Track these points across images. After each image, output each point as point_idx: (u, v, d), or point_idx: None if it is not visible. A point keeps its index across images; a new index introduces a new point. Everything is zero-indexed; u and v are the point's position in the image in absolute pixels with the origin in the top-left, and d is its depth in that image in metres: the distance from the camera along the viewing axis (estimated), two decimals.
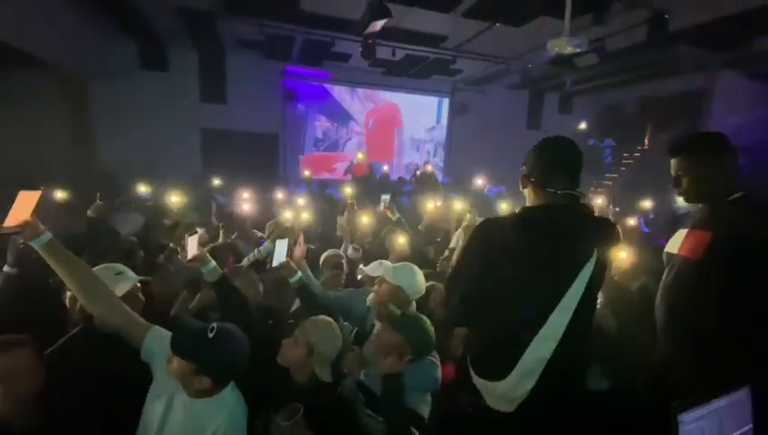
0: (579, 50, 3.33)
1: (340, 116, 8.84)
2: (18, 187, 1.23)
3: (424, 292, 1.83)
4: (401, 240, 2.67)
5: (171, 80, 6.99)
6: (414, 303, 1.79)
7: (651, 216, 4.80)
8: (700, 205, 1.49)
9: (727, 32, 5.16)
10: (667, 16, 4.30)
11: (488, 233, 1.29)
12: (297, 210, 3.29)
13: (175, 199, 3.16)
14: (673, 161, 1.50)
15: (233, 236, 3.29)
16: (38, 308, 1.83)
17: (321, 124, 8.74)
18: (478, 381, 1.33)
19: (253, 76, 7.49)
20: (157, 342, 1.33)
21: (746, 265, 1.28)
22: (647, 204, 4.23)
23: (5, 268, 1.91)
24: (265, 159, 7.89)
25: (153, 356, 1.33)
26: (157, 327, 1.37)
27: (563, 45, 3.26)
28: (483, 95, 9.17)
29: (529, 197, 1.33)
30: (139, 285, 1.56)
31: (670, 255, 1.54)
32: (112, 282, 1.47)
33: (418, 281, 1.78)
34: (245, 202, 4.03)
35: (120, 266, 1.56)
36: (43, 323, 1.67)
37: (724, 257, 1.32)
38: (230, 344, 1.26)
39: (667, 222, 4.43)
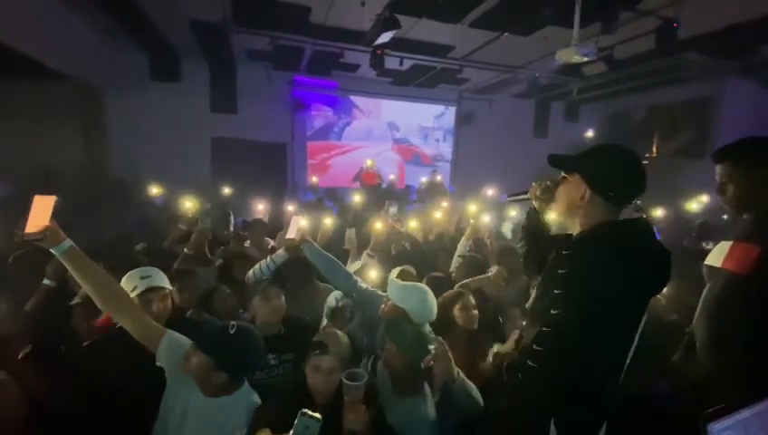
0: (588, 59, 3.34)
1: (345, 107, 8.81)
2: (34, 194, 1.26)
3: (434, 316, 1.70)
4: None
5: (182, 90, 7.12)
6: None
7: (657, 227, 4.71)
8: (745, 215, 1.41)
9: (736, 40, 5.16)
10: (676, 25, 4.30)
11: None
12: (317, 217, 3.28)
13: (189, 205, 3.18)
14: (718, 167, 1.42)
15: (246, 244, 3.31)
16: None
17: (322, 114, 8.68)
18: None
19: (262, 86, 7.60)
20: (172, 344, 1.37)
21: None
22: (658, 213, 4.14)
23: (45, 281, 1.94)
24: (274, 168, 7.97)
25: (168, 358, 1.36)
26: (171, 331, 1.41)
27: (572, 55, 3.27)
28: (489, 104, 9.21)
29: (588, 213, 1.13)
30: (169, 288, 1.59)
31: (712, 268, 1.45)
32: (135, 287, 1.50)
33: (427, 305, 1.67)
34: (260, 213, 4.07)
35: (148, 271, 1.59)
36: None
37: None
38: (248, 342, 1.33)
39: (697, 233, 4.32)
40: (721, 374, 1.35)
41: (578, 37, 3.29)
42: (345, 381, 1.26)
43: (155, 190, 5.09)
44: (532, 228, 1.41)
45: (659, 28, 4.52)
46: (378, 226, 3.01)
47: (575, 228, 1.18)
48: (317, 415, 1.09)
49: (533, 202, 1.41)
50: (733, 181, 1.38)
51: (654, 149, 9.18)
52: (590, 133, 9.74)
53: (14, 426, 1.19)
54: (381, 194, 6.46)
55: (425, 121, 9.49)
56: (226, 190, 6.01)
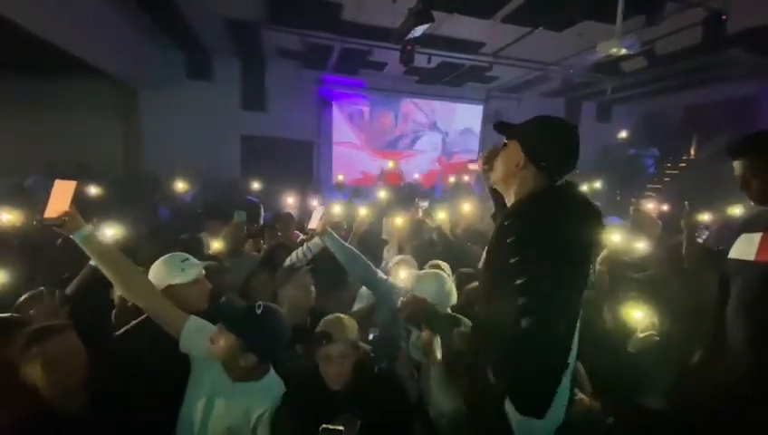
0: (631, 51, 3.21)
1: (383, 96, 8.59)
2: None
3: (454, 300, 1.71)
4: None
5: (215, 89, 7.30)
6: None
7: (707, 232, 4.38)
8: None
9: None
10: (724, 17, 4.09)
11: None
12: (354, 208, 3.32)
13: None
14: (738, 163, 1.41)
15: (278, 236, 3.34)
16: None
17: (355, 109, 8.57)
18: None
19: (291, 85, 7.71)
20: (197, 329, 1.36)
21: None
22: (705, 217, 3.83)
23: (91, 262, 1.94)
24: (301, 165, 8.07)
25: (193, 343, 1.35)
26: (193, 316, 1.40)
27: (614, 47, 3.15)
28: (517, 103, 9.03)
29: (523, 181, 1.13)
30: (203, 272, 1.60)
31: (742, 262, 1.40)
32: (179, 269, 1.51)
33: (445, 290, 1.67)
34: (290, 207, 4.11)
35: (185, 254, 1.60)
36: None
37: None
38: (275, 322, 1.31)
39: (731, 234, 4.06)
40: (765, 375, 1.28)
41: (621, 29, 3.16)
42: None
43: (181, 186, 5.21)
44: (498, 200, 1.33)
45: (706, 20, 4.30)
46: (398, 221, 2.97)
47: (510, 198, 1.17)
48: (339, 427, 1.08)
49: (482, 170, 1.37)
50: (756, 175, 1.36)
51: (692, 151, 8.80)
52: (623, 134, 9.42)
53: (77, 370, 1.20)
54: (405, 193, 6.42)
55: (473, 124, 9.33)
56: (255, 185, 6.13)
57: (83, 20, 4.55)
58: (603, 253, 2.33)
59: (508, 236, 1.03)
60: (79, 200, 1.27)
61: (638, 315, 1.72)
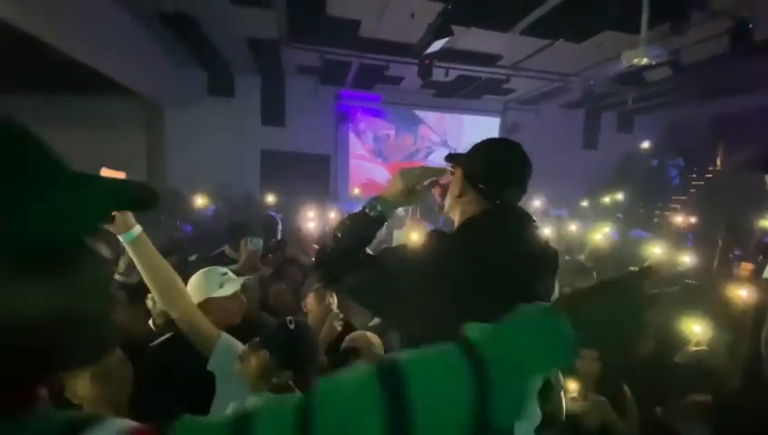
0: (658, 60, 3.13)
1: (403, 118, 8.84)
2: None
3: None
4: None
5: (236, 105, 7.49)
6: None
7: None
8: None
9: None
10: (751, 25, 3.98)
11: None
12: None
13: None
14: None
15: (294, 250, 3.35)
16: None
17: (373, 130, 8.76)
18: None
19: (309, 100, 7.85)
20: (227, 347, 1.34)
21: None
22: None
23: (116, 277, 1.95)
24: (318, 179, 8.13)
25: (222, 362, 1.32)
26: (224, 333, 1.38)
27: (640, 56, 3.08)
28: (535, 114, 8.95)
29: (466, 206, 1.08)
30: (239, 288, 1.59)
31: None
32: (218, 283, 1.51)
33: None
34: (310, 220, 4.12)
35: (224, 269, 1.60)
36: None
37: None
38: (308, 337, 1.31)
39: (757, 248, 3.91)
40: None
41: (646, 38, 3.10)
42: None
43: (200, 201, 5.27)
44: None
45: (732, 29, 4.20)
46: (413, 235, 2.94)
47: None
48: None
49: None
50: None
51: (719, 162, 8.51)
52: (645, 144, 9.20)
53: (124, 385, 1.20)
54: (426, 203, 6.37)
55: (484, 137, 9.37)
56: (270, 199, 6.20)
57: (111, 39, 4.72)
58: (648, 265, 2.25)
59: None
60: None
61: (698, 329, 1.68)
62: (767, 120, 7.31)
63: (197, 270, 1.59)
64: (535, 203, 5.97)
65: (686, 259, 2.38)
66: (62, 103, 6.75)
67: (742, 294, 1.92)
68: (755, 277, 2.08)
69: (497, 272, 0.89)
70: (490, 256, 0.92)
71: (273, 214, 5.64)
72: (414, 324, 0.92)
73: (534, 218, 1.08)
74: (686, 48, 4.84)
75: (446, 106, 8.69)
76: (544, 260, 1.01)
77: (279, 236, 3.93)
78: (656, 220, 7.65)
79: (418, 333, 0.78)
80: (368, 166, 8.78)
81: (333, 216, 4.49)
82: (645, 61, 3.10)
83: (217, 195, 5.87)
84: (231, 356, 1.30)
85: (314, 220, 4.37)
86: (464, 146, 8.56)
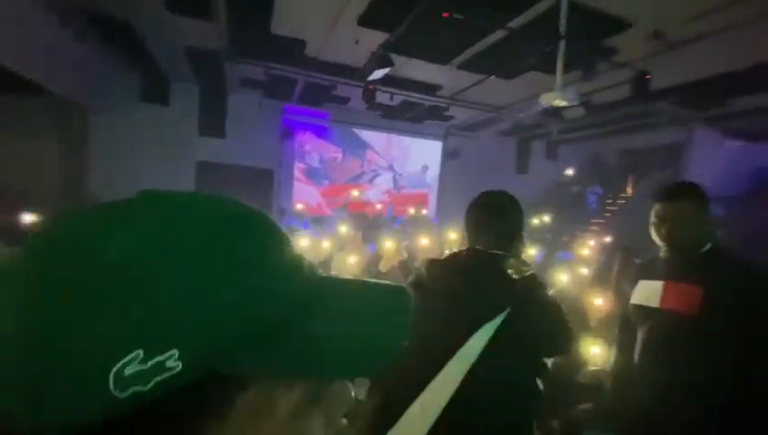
0: (571, 103, 3.54)
1: (351, 142, 8.93)
2: (5, 211, 1.15)
3: None
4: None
5: (171, 114, 7.10)
6: None
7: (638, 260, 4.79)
8: (669, 254, 1.49)
9: (705, 92, 5.59)
10: (648, 76, 4.63)
11: None
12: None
13: None
14: (659, 206, 1.49)
15: None
16: None
17: (319, 152, 8.78)
18: None
19: (252, 113, 7.67)
20: None
21: (746, 324, 1.28)
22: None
23: None
24: (260, 194, 7.91)
25: None
26: None
27: (555, 99, 3.47)
28: (474, 140, 9.53)
29: None
30: None
31: (647, 308, 1.48)
32: None
33: None
34: None
35: None
36: None
37: (724, 314, 1.30)
38: None
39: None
40: (679, 416, 1.35)
41: (561, 83, 3.50)
42: None
43: None
44: None
45: (633, 79, 4.86)
46: (388, 244, 3.01)
47: None
48: None
49: None
50: (675, 221, 1.46)
51: (628, 190, 9.65)
52: (569, 171, 10.15)
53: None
54: (368, 223, 6.46)
55: (429, 161, 9.71)
56: None
57: (27, 36, 4.28)
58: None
59: None
60: (13, 229, 1.16)
61: (595, 351, 1.83)
62: (669, 155, 8.47)
63: None
64: None
65: (563, 277, 2.66)
66: None
67: (597, 302, 2.21)
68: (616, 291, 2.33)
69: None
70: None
71: None
72: None
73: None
74: (597, 92, 5.50)
75: (393, 128, 8.95)
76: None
77: None
78: (576, 242, 8.43)
79: None
80: (303, 187, 8.73)
81: None
82: (559, 103, 3.48)
83: None
84: None
85: None
86: (408, 171, 8.82)
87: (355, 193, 7.94)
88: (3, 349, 0.23)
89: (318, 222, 6.63)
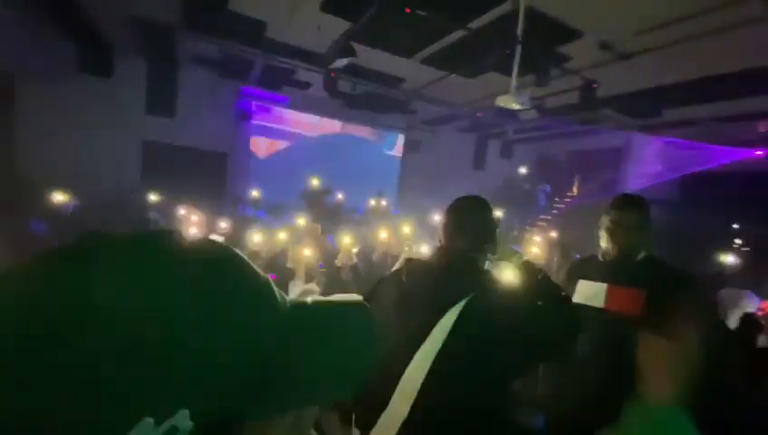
0: (524, 107, 3.70)
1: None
2: None
3: None
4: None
5: (114, 87, 6.55)
6: None
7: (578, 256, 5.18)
8: (613, 258, 1.60)
9: (642, 102, 6.06)
10: (595, 85, 4.93)
11: None
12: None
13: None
14: (618, 213, 1.59)
15: None
16: None
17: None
18: None
19: (205, 93, 7.27)
20: None
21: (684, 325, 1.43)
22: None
23: None
24: (213, 178, 7.56)
25: None
26: None
27: (510, 101, 3.61)
28: (434, 135, 9.68)
29: None
30: None
31: (591, 308, 1.56)
32: None
33: None
34: (194, 225, 3.81)
35: None
36: None
37: (664, 314, 1.44)
38: None
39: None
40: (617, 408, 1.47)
41: (515, 86, 3.64)
42: None
43: (60, 197, 4.46)
44: None
45: (582, 86, 5.15)
46: (346, 240, 3.00)
47: None
48: None
49: None
50: (625, 227, 1.57)
51: (575, 189, 10.31)
52: (523, 170, 10.64)
53: None
54: (327, 213, 6.40)
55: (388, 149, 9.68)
56: (153, 198, 5.57)
57: None
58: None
59: None
60: None
61: None
62: (611, 157, 9.12)
63: None
64: (435, 217, 6.46)
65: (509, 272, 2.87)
66: None
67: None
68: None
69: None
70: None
71: (154, 215, 5.09)
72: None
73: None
74: (549, 96, 5.78)
75: (355, 117, 8.86)
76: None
77: None
78: (526, 236, 8.91)
79: None
80: (275, 166, 8.40)
81: (224, 225, 4.19)
82: (514, 106, 3.63)
83: (82, 189, 5.04)
84: None
85: (198, 225, 4.05)
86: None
87: (314, 182, 7.79)
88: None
89: (274, 211, 6.47)
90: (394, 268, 1.47)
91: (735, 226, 7.31)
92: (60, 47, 6.00)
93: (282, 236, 3.55)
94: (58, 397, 0.21)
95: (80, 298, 0.24)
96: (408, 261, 1.38)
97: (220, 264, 0.30)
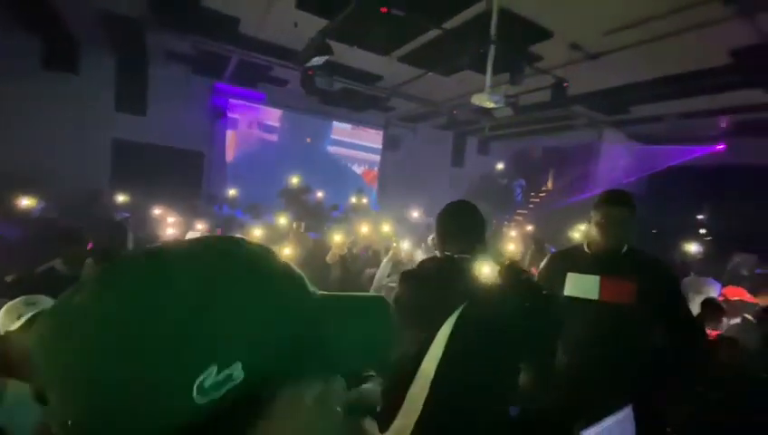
0: (498, 105, 3.79)
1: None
2: None
3: None
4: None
5: (80, 84, 6.28)
6: None
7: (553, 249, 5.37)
8: (600, 251, 1.70)
9: (611, 100, 6.29)
10: (566, 84, 5.09)
11: None
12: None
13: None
14: (609, 209, 1.67)
15: None
16: None
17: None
18: None
19: (178, 90, 7.07)
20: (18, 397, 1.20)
21: (664, 305, 1.63)
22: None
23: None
24: (187, 178, 7.38)
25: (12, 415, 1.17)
26: (13, 381, 1.23)
27: (484, 100, 3.70)
28: (413, 132, 9.75)
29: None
30: None
31: (587, 300, 1.65)
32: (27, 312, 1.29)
33: None
34: (170, 226, 3.73)
35: (39, 298, 1.36)
36: None
37: (651, 301, 1.60)
38: None
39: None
40: (614, 390, 1.50)
41: (490, 85, 3.73)
42: None
43: (26, 202, 4.27)
44: None
45: (554, 85, 5.31)
46: (337, 238, 3.03)
47: None
48: None
49: None
50: (616, 222, 1.68)
51: (549, 184, 10.60)
52: (500, 166, 10.86)
53: None
54: (307, 211, 6.37)
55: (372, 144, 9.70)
56: (121, 198, 5.41)
57: None
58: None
59: None
60: None
61: None
62: (583, 153, 9.42)
63: (14, 294, 1.33)
64: (414, 214, 6.54)
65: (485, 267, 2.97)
66: None
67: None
68: None
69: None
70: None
71: (122, 215, 4.92)
72: None
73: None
74: (523, 94, 5.93)
75: (332, 114, 8.82)
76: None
77: (130, 247, 3.46)
78: (503, 229, 9.13)
79: None
80: (253, 165, 8.26)
81: (201, 226, 4.10)
82: (488, 104, 3.72)
83: (48, 190, 4.85)
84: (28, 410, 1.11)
85: (175, 226, 3.97)
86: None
87: (294, 180, 7.71)
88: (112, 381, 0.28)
89: (252, 210, 6.39)
90: (404, 269, 1.57)
91: (700, 216, 7.73)
92: (22, 42, 5.72)
93: (257, 233, 3.54)
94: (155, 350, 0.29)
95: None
96: (421, 265, 1.46)
97: (269, 255, 0.39)
